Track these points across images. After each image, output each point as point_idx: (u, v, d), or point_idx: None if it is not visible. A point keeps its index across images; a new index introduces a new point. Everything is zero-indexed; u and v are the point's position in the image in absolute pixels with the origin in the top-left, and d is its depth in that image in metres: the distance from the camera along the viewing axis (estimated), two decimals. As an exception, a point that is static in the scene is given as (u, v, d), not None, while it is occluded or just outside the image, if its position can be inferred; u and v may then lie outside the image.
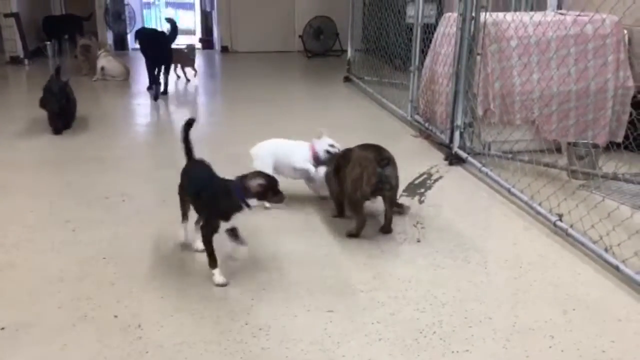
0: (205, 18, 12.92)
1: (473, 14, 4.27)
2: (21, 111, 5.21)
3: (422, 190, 3.99)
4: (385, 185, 3.18)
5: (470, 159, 4.37)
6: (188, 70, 8.26)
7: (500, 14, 4.52)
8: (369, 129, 5.71)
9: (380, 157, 3.16)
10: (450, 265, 2.95)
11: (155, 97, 7.03)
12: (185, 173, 2.96)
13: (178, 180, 2.95)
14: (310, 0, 11.13)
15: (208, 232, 2.69)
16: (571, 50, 4.43)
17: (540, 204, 3.49)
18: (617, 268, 2.80)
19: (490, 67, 4.44)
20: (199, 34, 13.64)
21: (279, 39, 11.48)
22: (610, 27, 4.39)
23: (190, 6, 15.24)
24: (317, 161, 3.63)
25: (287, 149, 3.70)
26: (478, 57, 4.38)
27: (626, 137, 4.48)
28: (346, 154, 3.35)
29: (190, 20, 15.21)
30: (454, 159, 4.53)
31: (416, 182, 4.13)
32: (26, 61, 9.36)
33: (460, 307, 2.56)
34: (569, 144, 4.34)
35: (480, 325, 2.43)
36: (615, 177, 3.84)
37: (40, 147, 4.98)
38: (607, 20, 4.28)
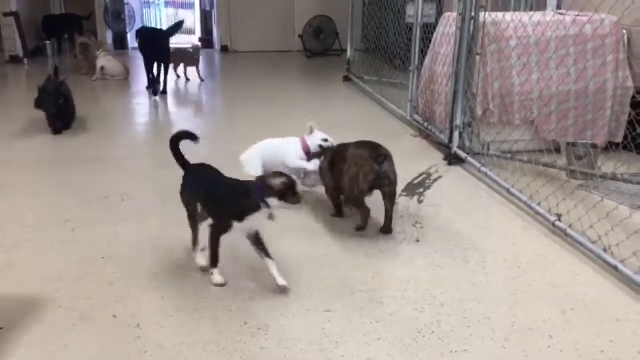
0: (205, 17, 12.92)
1: (472, 14, 4.27)
2: (20, 110, 5.21)
3: (421, 189, 3.99)
4: (384, 181, 3.18)
5: (469, 158, 4.37)
6: (192, 69, 8.23)
7: (500, 14, 4.52)
8: (368, 128, 5.71)
9: (376, 154, 3.17)
10: (449, 264, 2.96)
11: (154, 93, 7.09)
12: (190, 179, 2.86)
13: (177, 178, 2.93)
14: (310, -1, 11.15)
15: (217, 230, 2.64)
16: (570, 50, 4.43)
17: (539, 204, 3.50)
18: (615, 268, 2.80)
19: (489, 67, 4.44)
20: (198, 33, 13.64)
21: (278, 39, 11.48)
22: (609, 27, 4.39)
23: (190, 5, 15.25)
24: (310, 156, 3.62)
25: (278, 149, 3.68)
26: (477, 57, 4.39)
27: (625, 137, 4.48)
28: (341, 149, 3.35)
29: (189, 20, 15.21)
30: (453, 159, 4.53)
31: (415, 181, 4.14)
32: (25, 60, 9.36)
33: (459, 306, 2.57)
34: (567, 143, 4.35)
35: (479, 325, 2.43)
36: (613, 177, 3.84)
37: (39, 147, 4.98)
38: (606, 20, 4.29)
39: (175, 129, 2.83)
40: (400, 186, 3.96)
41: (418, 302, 2.60)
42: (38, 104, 5.16)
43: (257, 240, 2.66)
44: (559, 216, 3.31)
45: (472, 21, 4.28)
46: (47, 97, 5.13)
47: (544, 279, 2.82)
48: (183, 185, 2.86)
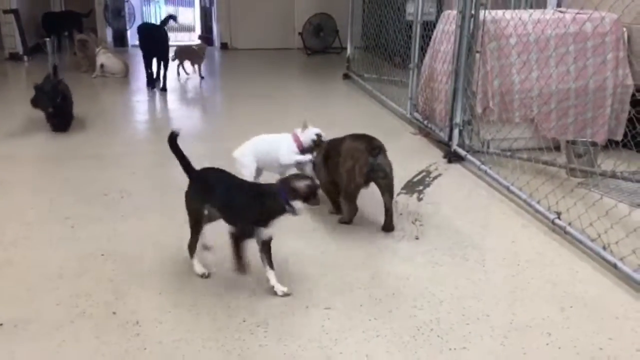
0: (205, 15, 12.91)
1: (472, 12, 4.27)
2: (20, 108, 5.21)
3: (421, 187, 3.99)
4: (379, 174, 3.19)
5: (469, 156, 4.37)
6: (196, 67, 8.20)
7: (500, 12, 4.52)
8: (368, 126, 5.69)
9: (371, 147, 3.18)
10: (449, 262, 2.96)
11: (152, 86, 7.28)
12: (200, 184, 2.73)
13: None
14: (310, -3, 11.14)
15: (241, 236, 2.58)
16: (570, 48, 4.43)
17: (538, 202, 3.50)
18: (615, 266, 2.80)
19: (489, 65, 4.44)
20: (198, 31, 13.63)
21: (278, 36, 11.47)
22: (609, 25, 4.39)
23: (190, 3, 15.23)
24: (303, 151, 3.62)
25: (271, 145, 3.65)
26: (477, 55, 4.38)
27: (625, 135, 4.48)
28: (335, 143, 3.35)
29: (189, 17, 15.20)
30: (452, 157, 4.53)
31: (415, 179, 4.14)
32: (25, 58, 9.35)
33: (458, 304, 2.57)
34: (567, 141, 4.34)
35: (478, 323, 2.43)
36: (613, 175, 3.84)
37: (39, 144, 4.98)
38: (606, 18, 4.28)
39: (174, 127, 2.81)
40: (400, 184, 3.98)
41: (417, 300, 2.60)
42: (35, 102, 5.14)
43: (267, 248, 2.62)
44: (558, 214, 3.31)
45: (472, 19, 4.28)
46: (44, 96, 5.10)
47: (543, 277, 2.82)
48: (191, 191, 2.74)
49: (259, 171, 3.66)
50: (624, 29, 4.55)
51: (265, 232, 2.58)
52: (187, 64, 8.28)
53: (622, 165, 3.89)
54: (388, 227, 3.30)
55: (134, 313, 2.47)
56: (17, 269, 2.84)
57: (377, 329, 2.38)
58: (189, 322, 2.42)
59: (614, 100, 4.58)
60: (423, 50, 5.51)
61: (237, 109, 6.51)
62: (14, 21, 9.19)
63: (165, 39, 7.29)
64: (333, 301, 2.58)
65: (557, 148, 4.42)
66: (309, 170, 3.63)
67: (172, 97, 7.15)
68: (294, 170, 3.63)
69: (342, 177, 3.20)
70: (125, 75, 8.18)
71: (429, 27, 5.51)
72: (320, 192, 2.74)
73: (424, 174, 4.26)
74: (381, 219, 3.32)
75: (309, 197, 2.57)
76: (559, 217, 3.28)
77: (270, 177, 3.70)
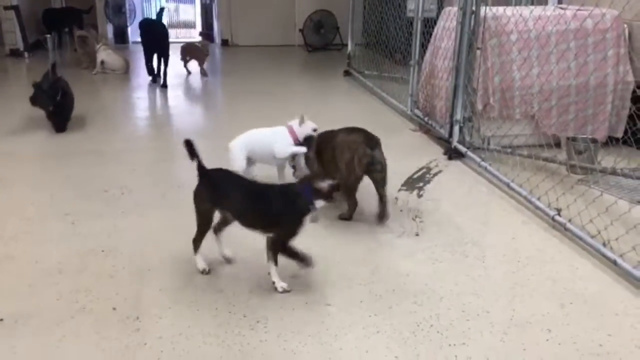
0: (206, 11, 12.89)
1: (473, 8, 4.26)
2: (21, 104, 5.20)
3: (421, 184, 3.99)
4: (377, 166, 3.21)
5: (469, 153, 4.37)
6: (200, 64, 8.18)
7: (501, 8, 4.51)
8: (368, 123, 5.64)
9: (368, 139, 3.21)
10: (449, 259, 2.96)
11: (153, 81, 7.41)
12: (213, 185, 2.68)
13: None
14: (311, -7, 11.12)
15: (286, 241, 2.58)
16: (571, 45, 4.42)
17: (539, 199, 3.50)
18: (614, 262, 2.81)
19: (490, 62, 4.43)
20: (199, 27, 13.61)
21: (279, 33, 11.45)
22: (610, 21, 4.38)
23: (191, -1, 15.21)
24: (299, 145, 3.62)
25: (266, 139, 3.65)
26: (478, 52, 4.38)
27: (625, 132, 4.48)
28: (326, 137, 3.36)
29: (190, 14, 15.18)
30: (453, 154, 4.53)
31: (415, 176, 4.14)
32: (26, 54, 9.34)
33: (458, 300, 2.57)
34: (568, 138, 4.34)
35: (478, 319, 2.44)
36: (613, 172, 3.84)
37: (39, 140, 4.98)
38: (607, 14, 4.28)
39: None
40: (400, 181, 3.98)
41: (417, 296, 2.60)
42: (34, 101, 5.13)
43: (274, 245, 2.61)
44: (558, 211, 3.31)
45: (473, 16, 4.28)
46: (43, 94, 5.08)
47: (543, 274, 2.82)
48: (201, 190, 2.69)
49: (250, 163, 3.67)
50: (625, 26, 4.54)
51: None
52: (192, 61, 8.23)
53: (622, 162, 3.89)
54: (383, 214, 3.31)
55: (134, 309, 2.47)
56: (17, 264, 2.85)
57: (377, 325, 2.39)
58: (189, 317, 2.42)
59: (614, 97, 4.57)
60: (424, 47, 5.50)
61: (238, 106, 6.50)
62: (15, 17, 9.18)
63: (165, 34, 7.35)
64: (333, 297, 2.58)
65: (558, 145, 4.42)
66: (302, 163, 3.63)
67: (172, 93, 7.14)
68: (286, 163, 3.65)
69: (341, 171, 3.20)
70: (126, 71, 8.17)
71: (429, 24, 5.51)
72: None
73: (424, 170, 4.26)
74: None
75: (329, 196, 2.61)
76: (559, 214, 3.28)
77: (262, 170, 3.71)
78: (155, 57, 7.37)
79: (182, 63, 8.22)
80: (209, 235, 2.76)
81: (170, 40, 7.63)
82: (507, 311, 2.50)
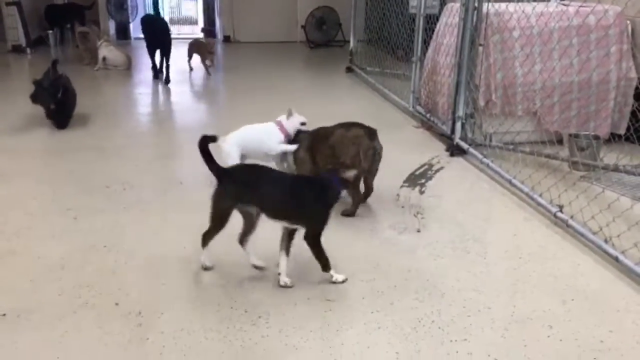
0: (208, 7, 12.87)
1: (476, 4, 4.25)
2: (23, 100, 5.20)
3: (423, 180, 3.99)
4: (376, 157, 3.28)
5: (471, 150, 4.37)
6: (207, 62, 8.15)
7: (503, 5, 4.50)
8: (370, 119, 5.63)
9: (369, 131, 3.25)
10: (450, 255, 2.96)
11: (155, 76, 7.46)
12: (235, 184, 2.62)
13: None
14: (313, -10, 11.10)
15: (319, 234, 2.59)
16: (573, 41, 4.41)
17: (540, 195, 3.50)
18: (616, 259, 2.80)
19: (492, 58, 4.42)
20: (201, 24, 13.60)
21: (281, 29, 11.44)
22: (613, 17, 4.37)
23: (194, -5, 15.21)
24: (289, 140, 3.61)
25: (257, 135, 3.64)
26: (480, 48, 4.37)
27: (628, 128, 4.47)
28: (322, 135, 3.36)
29: (192, 10, 15.17)
30: (455, 150, 4.53)
31: (417, 172, 4.13)
32: (28, 50, 9.34)
33: (459, 296, 2.57)
34: (570, 135, 4.33)
35: (479, 315, 2.44)
36: (616, 169, 3.84)
37: (41, 136, 4.98)
38: (609, 11, 4.27)
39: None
40: (402, 177, 3.99)
41: (419, 292, 2.60)
42: (34, 98, 5.12)
43: (292, 237, 2.63)
44: (560, 207, 3.31)
45: (475, 12, 4.27)
46: (43, 92, 5.08)
47: (544, 270, 2.82)
48: (223, 191, 2.61)
49: (243, 159, 3.67)
50: (628, 22, 4.53)
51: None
52: (197, 58, 8.20)
53: (624, 159, 3.88)
54: (365, 198, 3.45)
55: (137, 304, 2.48)
56: (19, 260, 2.86)
57: (379, 320, 2.39)
58: (191, 313, 2.43)
59: (617, 94, 4.57)
60: (426, 43, 5.49)
61: (240, 102, 6.50)
62: (17, 13, 9.17)
63: (166, 30, 7.34)
64: (334, 293, 2.59)
65: (560, 141, 4.42)
66: (290, 161, 3.61)
67: (174, 89, 7.14)
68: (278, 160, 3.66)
69: (346, 166, 3.20)
70: (128, 67, 8.17)
71: (432, 20, 5.49)
72: None
73: (426, 167, 4.26)
74: (383, 212, 3.34)
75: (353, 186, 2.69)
76: (561, 211, 3.28)
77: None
78: (158, 53, 7.38)
79: (187, 59, 8.22)
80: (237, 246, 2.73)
81: (173, 36, 7.63)
82: (509, 307, 2.50)
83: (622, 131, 4.57)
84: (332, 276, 2.65)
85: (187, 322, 2.35)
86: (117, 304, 2.48)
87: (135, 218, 3.34)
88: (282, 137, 3.57)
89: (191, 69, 8.18)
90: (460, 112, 4.50)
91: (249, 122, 3.80)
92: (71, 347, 2.21)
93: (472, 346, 2.24)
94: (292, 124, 3.58)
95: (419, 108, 5.57)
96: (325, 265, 2.64)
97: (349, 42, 8.48)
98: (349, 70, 8.17)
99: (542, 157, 4.17)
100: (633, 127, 4.12)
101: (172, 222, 3.27)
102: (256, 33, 11.35)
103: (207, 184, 3.31)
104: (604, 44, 4.44)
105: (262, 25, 11.33)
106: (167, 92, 7.00)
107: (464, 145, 4.46)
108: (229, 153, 3.58)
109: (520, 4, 4.56)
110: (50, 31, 10.05)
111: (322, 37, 10.96)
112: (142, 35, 7.61)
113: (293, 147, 3.54)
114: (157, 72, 7.47)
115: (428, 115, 5.28)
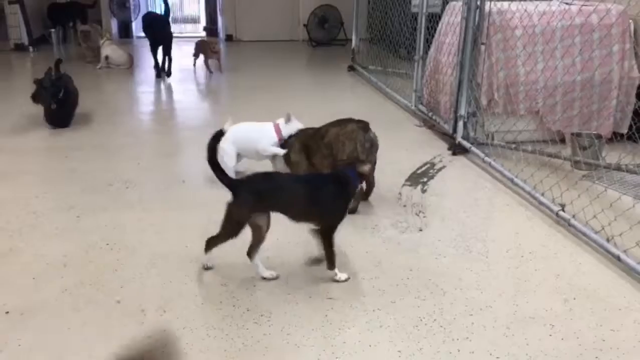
0: (210, 6, 12.88)
1: (478, 3, 4.25)
2: (25, 98, 5.21)
3: (425, 179, 3.99)
4: (373, 149, 3.27)
5: (473, 148, 4.37)
6: (211, 61, 8.15)
7: (505, 3, 4.50)
8: (372, 118, 5.64)
9: (363, 125, 3.25)
10: (452, 254, 2.96)
11: (157, 75, 7.50)
12: (252, 194, 2.56)
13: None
14: (315, -11, 11.09)
15: (332, 230, 2.62)
16: (576, 40, 4.41)
17: (543, 194, 3.50)
18: (618, 258, 2.80)
19: (494, 57, 4.42)
20: (203, 22, 13.61)
21: (283, 28, 11.45)
22: (615, 16, 4.37)
23: (195, -6, 15.20)
24: (283, 144, 3.60)
25: (252, 134, 3.65)
26: (482, 47, 4.37)
27: (630, 127, 4.46)
28: (316, 136, 3.36)
29: (194, 8, 15.17)
30: (457, 149, 4.53)
31: (419, 171, 4.14)
32: (31, 48, 9.36)
33: (461, 295, 2.58)
34: (572, 134, 4.33)
35: (481, 314, 2.44)
36: (618, 168, 3.84)
37: (44, 135, 4.99)
38: (612, 9, 4.27)
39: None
40: (404, 176, 3.99)
41: (420, 291, 2.60)
42: (35, 98, 5.11)
43: (327, 234, 2.64)
44: (562, 206, 3.31)
45: (477, 11, 4.27)
46: (44, 91, 5.07)
47: (546, 269, 2.82)
48: (240, 202, 2.54)
49: (238, 157, 3.67)
50: (630, 21, 4.53)
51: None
52: (203, 57, 8.21)
53: (626, 158, 3.88)
54: (367, 196, 3.46)
55: (139, 302, 2.48)
56: (22, 257, 2.86)
57: (381, 319, 2.39)
58: (193, 311, 2.43)
59: (619, 93, 4.56)
60: (428, 42, 5.49)
61: (242, 100, 6.51)
62: (19, 12, 9.19)
63: (166, 27, 7.38)
64: (336, 291, 2.59)
65: (562, 140, 4.42)
66: (279, 164, 3.59)
67: (176, 87, 7.15)
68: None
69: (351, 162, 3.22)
70: (130, 66, 8.19)
71: (434, 19, 5.49)
72: None
73: (428, 165, 4.26)
74: (384, 211, 3.33)
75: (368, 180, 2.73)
76: (563, 209, 3.28)
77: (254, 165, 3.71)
78: (160, 52, 7.41)
79: (193, 58, 8.25)
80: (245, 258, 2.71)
81: (175, 35, 7.66)
82: (510, 306, 2.50)
83: (624, 130, 4.57)
84: (335, 274, 2.66)
85: (189, 320, 2.36)
86: (119, 301, 2.49)
87: (138, 216, 3.34)
88: (276, 139, 3.58)
89: (194, 67, 8.19)
90: (463, 111, 4.50)
91: (251, 120, 3.81)
92: (73, 345, 2.21)
93: (473, 345, 2.24)
94: (289, 129, 3.58)
95: (421, 107, 5.57)
96: (332, 262, 2.65)
97: (351, 40, 8.48)
98: (351, 69, 8.17)
99: (544, 156, 4.17)
100: (635, 126, 4.11)
101: (174, 220, 3.27)
102: (258, 32, 11.35)
103: (209, 182, 3.32)
104: (607, 43, 4.43)
105: (264, 24, 11.34)
106: (169, 90, 7.01)
107: (466, 144, 4.46)
108: (225, 150, 3.59)
109: (522, 2, 4.56)
110: (53, 30, 10.07)
111: (324, 35, 10.96)
112: (144, 34, 7.61)
113: (282, 151, 3.54)
114: (159, 71, 7.49)
115: (430, 114, 5.28)
